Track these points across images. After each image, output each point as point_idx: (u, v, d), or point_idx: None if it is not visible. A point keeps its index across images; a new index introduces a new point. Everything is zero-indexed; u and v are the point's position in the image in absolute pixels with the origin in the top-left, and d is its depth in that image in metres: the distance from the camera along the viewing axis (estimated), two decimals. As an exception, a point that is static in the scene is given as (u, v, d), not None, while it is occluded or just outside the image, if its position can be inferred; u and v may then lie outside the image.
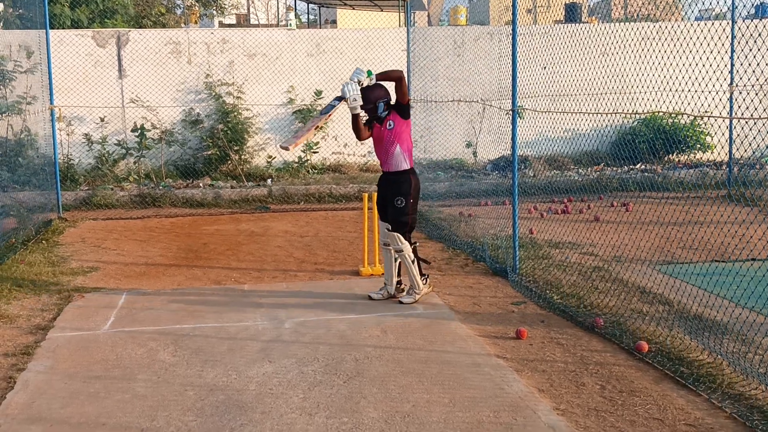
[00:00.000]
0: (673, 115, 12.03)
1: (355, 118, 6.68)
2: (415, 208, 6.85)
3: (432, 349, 5.67)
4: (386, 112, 6.75)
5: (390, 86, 6.69)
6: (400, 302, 6.81)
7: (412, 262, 6.81)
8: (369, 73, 6.66)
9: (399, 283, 7.03)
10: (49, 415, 4.62)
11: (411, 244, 6.88)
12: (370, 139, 6.91)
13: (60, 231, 10.42)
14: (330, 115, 6.73)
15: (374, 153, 7.26)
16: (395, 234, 6.77)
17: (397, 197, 6.73)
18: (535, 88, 8.08)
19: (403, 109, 6.73)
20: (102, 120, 13.55)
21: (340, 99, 6.68)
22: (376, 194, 7.12)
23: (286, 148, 6.70)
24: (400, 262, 6.94)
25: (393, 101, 6.80)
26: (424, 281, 6.97)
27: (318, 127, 6.76)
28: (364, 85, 6.63)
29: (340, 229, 10.45)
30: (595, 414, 4.53)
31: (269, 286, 7.57)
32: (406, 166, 6.76)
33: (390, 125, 6.70)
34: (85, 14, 16.83)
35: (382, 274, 7.83)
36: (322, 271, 8.15)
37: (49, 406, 4.76)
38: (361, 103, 6.60)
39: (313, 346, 5.77)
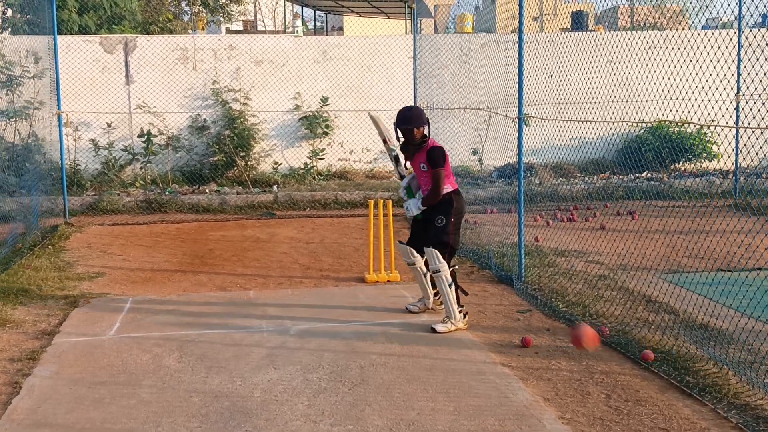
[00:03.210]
0: (679, 124, 12.01)
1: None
2: (457, 230, 6.39)
3: (437, 357, 5.66)
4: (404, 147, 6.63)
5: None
6: (433, 329, 6.20)
7: (449, 286, 6.21)
8: (416, 195, 6.60)
9: (436, 294, 6.61)
10: (54, 421, 4.62)
11: (450, 267, 6.32)
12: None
13: (66, 236, 10.45)
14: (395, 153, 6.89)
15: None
16: (433, 250, 6.21)
17: (438, 216, 6.34)
18: (541, 96, 8.09)
19: (433, 162, 6.37)
20: (109, 125, 13.61)
21: (395, 157, 6.84)
22: (382, 201, 7.04)
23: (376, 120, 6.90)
24: (432, 277, 6.46)
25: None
26: (461, 314, 6.29)
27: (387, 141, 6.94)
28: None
29: (346, 235, 10.45)
30: (600, 423, 4.52)
31: (274, 292, 7.58)
32: (447, 188, 6.39)
33: (423, 168, 6.40)
34: (93, 20, 16.94)
35: (388, 281, 7.84)
36: (328, 277, 8.15)
37: (54, 411, 4.76)
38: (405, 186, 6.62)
39: (318, 353, 5.76)
